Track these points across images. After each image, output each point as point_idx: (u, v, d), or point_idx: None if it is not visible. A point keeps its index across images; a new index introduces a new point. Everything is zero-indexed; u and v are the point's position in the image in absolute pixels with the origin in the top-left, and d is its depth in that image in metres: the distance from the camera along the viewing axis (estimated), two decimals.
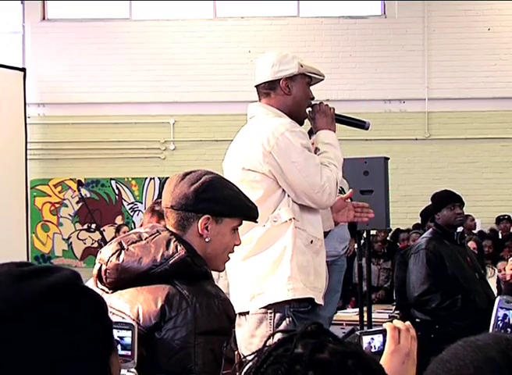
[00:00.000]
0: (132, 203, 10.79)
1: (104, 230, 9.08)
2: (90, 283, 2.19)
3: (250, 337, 2.86)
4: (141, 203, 10.73)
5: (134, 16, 10.92)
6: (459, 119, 10.53)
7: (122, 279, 2.14)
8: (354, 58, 10.61)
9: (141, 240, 2.18)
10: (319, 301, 2.90)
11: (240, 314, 2.84)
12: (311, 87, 3.08)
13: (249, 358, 1.03)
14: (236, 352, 2.30)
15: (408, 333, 1.53)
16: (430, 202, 5.38)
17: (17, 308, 0.95)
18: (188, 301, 2.07)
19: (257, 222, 2.41)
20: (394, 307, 6.28)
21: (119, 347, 1.74)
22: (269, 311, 2.83)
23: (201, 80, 10.48)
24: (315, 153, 2.98)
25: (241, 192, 2.30)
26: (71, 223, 10.74)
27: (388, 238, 9.21)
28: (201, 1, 10.77)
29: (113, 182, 10.77)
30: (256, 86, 3.06)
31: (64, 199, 10.77)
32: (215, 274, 2.63)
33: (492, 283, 6.28)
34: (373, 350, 1.52)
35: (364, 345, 1.51)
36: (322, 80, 3.10)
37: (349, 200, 3.25)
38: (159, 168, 10.66)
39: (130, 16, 10.93)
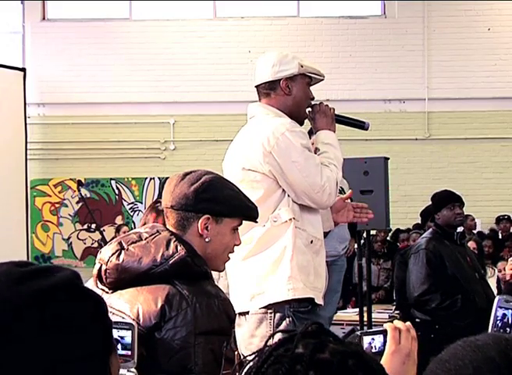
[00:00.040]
0: (132, 203, 10.79)
1: (104, 230, 9.08)
2: (90, 284, 2.19)
3: (250, 337, 2.86)
4: (141, 203, 10.73)
5: (134, 16, 10.92)
6: (459, 119, 10.53)
7: (122, 279, 2.14)
8: (354, 58, 10.61)
9: (141, 240, 2.18)
10: (319, 301, 2.90)
11: (240, 314, 2.84)
12: (311, 88, 3.08)
13: (249, 358, 1.03)
14: (236, 352, 2.29)
15: (409, 334, 1.53)
16: (430, 202, 5.38)
17: (17, 309, 0.95)
18: (188, 301, 2.07)
19: (257, 222, 2.41)
20: (394, 307, 6.28)
21: (119, 346, 1.75)
22: (269, 311, 2.83)
23: (201, 80, 10.48)
24: (315, 153, 2.98)
25: (241, 192, 2.30)
26: (71, 223, 10.74)
27: (388, 238, 9.21)
28: (201, 1, 10.77)
29: (113, 182, 10.77)
30: (256, 86, 3.06)
31: (64, 199, 10.77)
32: (215, 274, 2.64)
33: (492, 283, 6.28)
34: (373, 350, 1.52)
35: (365, 346, 1.51)
36: (322, 80, 3.11)
37: (349, 200, 3.25)
38: (159, 168, 10.66)
39: (130, 16, 10.93)
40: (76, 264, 10.38)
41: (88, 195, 10.54)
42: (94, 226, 10.18)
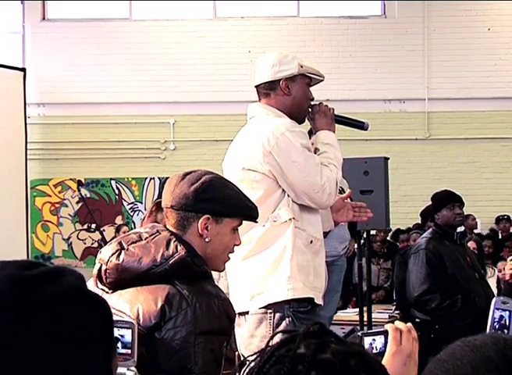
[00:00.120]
0: (132, 203, 10.78)
1: (104, 230, 9.08)
2: (90, 284, 2.19)
3: (250, 337, 2.86)
4: (141, 203, 10.73)
5: (134, 16, 10.92)
6: (459, 119, 10.53)
7: (122, 279, 2.14)
8: (354, 58, 10.61)
9: (141, 240, 2.18)
10: (319, 301, 2.90)
11: (240, 314, 2.84)
12: (311, 88, 3.09)
13: (251, 358, 1.03)
14: (236, 352, 2.30)
15: (410, 335, 1.53)
16: (430, 202, 5.38)
17: (22, 315, 0.94)
18: (188, 301, 2.07)
19: (257, 222, 2.41)
20: (394, 307, 6.27)
21: (118, 345, 1.74)
22: (269, 311, 2.83)
23: (201, 80, 10.48)
24: (315, 153, 2.98)
25: (241, 192, 2.30)
26: (71, 223, 10.74)
27: (388, 238, 9.21)
28: (201, 1, 10.77)
29: (113, 182, 10.77)
30: (256, 86, 3.06)
31: (64, 199, 10.77)
32: (215, 274, 2.64)
33: (492, 283, 6.28)
34: (374, 351, 1.52)
35: (366, 346, 1.51)
36: (322, 81, 3.11)
37: (348, 200, 3.25)
38: (159, 168, 10.66)
39: (130, 16, 10.93)
40: (76, 264, 10.38)
41: (88, 195, 10.54)
42: (94, 226, 10.18)
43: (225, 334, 2.14)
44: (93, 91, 10.61)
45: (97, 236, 9.80)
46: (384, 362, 1.47)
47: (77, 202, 10.61)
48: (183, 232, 2.20)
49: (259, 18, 10.78)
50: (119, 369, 1.69)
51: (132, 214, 10.73)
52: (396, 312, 5.98)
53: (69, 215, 10.75)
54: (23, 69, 9.41)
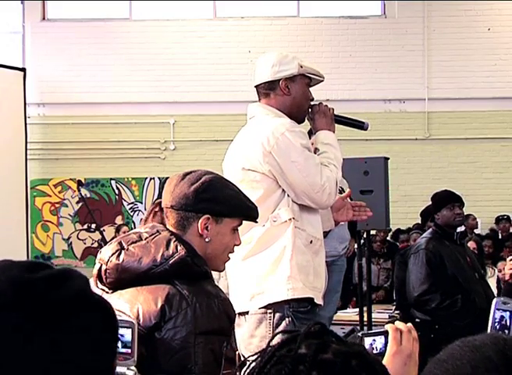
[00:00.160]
0: (132, 203, 10.78)
1: (104, 230, 9.09)
2: (90, 284, 2.19)
3: (250, 337, 2.86)
4: (141, 203, 10.73)
5: (134, 16, 10.92)
6: (459, 119, 10.53)
7: (122, 279, 2.14)
8: (354, 58, 10.61)
9: (141, 240, 2.18)
10: (319, 301, 2.90)
11: (240, 314, 2.84)
12: (311, 88, 3.08)
13: (251, 358, 1.03)
14: (236, 352, 2.30)
15: (410, 335, 1.53)
16: (430, 202, 5.38)
17: (29, 319, 0.92)
18: (188, 301, 2.07)
19: (257, 222, 2.41)
20: (394, 307, 6.27)
21: (119, 344, 1.74)
22: (269, 311, 2.83)
23: (201, 80, 10.48)
24: (315, 153, 2.98)
25: (241, 192, 2.30)
26: (71, 223, 10.74)
27: (388, 238, 9.20)
28: (201, 1, 10.77)
29: (113, 182, 10.77)
30: (256, 86, 3.06)
31: (64, 199, 10.77)
32: (215, 274, 2.64)
33: (492, 283, 6.28)
34: (375, 351, 1.52)
35: (366, 347, 1.51)
36: (322, 81, 3.11)
37: (348, 199, 3.26)
38: (159, 168, 10.66)
39: (130, 16, 10.93)
40: (76, 264, 10.38)
41: (88, 195, 10.54)
42: (94, 226, 10.19)
43: (225, 334, 2.14)
44: (93, 91, 10.61)
45: (97, 236, 9.81)
46: (384, 362, 1.47)
47: (77, 202, 10.62)
48: (183, 232, 2.20)
49: (259, 18, 10.78)
50: (119, 369, 1.69)
51: (132, 214, 10.73)
52: (396, 312, 5.97)
53: (69, 215, 10.75)
54: (23, 69, 9.40)
